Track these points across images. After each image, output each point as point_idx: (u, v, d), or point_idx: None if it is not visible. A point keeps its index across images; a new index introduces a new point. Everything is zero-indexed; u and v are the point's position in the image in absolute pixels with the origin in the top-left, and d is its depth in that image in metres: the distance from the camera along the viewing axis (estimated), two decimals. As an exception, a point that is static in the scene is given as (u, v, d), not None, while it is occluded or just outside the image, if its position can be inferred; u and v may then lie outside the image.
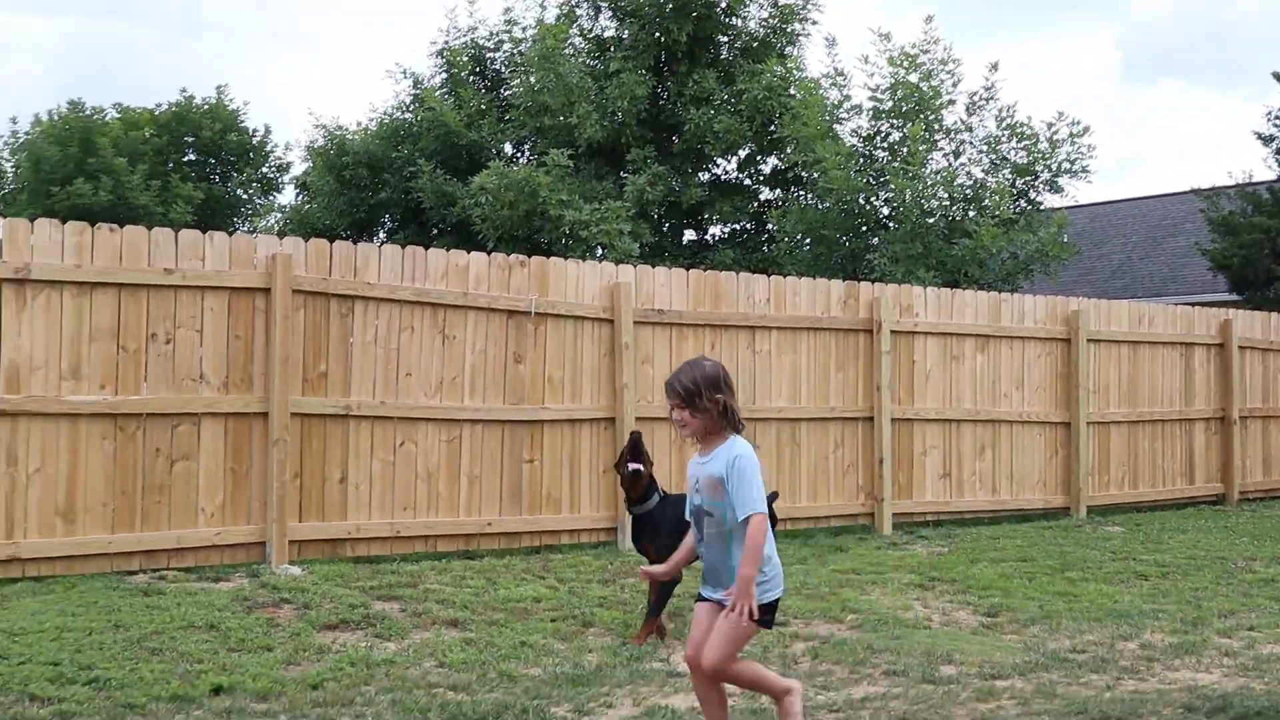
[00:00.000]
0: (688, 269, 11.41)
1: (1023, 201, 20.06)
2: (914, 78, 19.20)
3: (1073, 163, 19.67)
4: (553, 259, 10.62)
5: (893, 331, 12.09)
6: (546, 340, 10.28)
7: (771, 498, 6.32)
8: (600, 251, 19.46)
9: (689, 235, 23.48)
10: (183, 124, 36.91)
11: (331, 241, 9.47)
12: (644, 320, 10.70)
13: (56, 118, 35.48)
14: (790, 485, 11.48)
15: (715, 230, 23.53)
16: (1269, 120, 23.95)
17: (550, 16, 23.74)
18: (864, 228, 19.61)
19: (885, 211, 19.58)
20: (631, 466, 7.31)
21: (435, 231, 24.48)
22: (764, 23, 23.06)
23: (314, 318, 9.19)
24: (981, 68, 46.85)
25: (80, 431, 8.25)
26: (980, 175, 19.74)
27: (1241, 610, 8.31)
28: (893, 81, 19.30)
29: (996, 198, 18.90)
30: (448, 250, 10.04)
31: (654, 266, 11.21)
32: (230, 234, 9.06)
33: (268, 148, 38.44)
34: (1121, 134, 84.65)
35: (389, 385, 9.51)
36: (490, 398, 9.97)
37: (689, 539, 4.92)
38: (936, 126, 19.42)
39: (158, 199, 32.98)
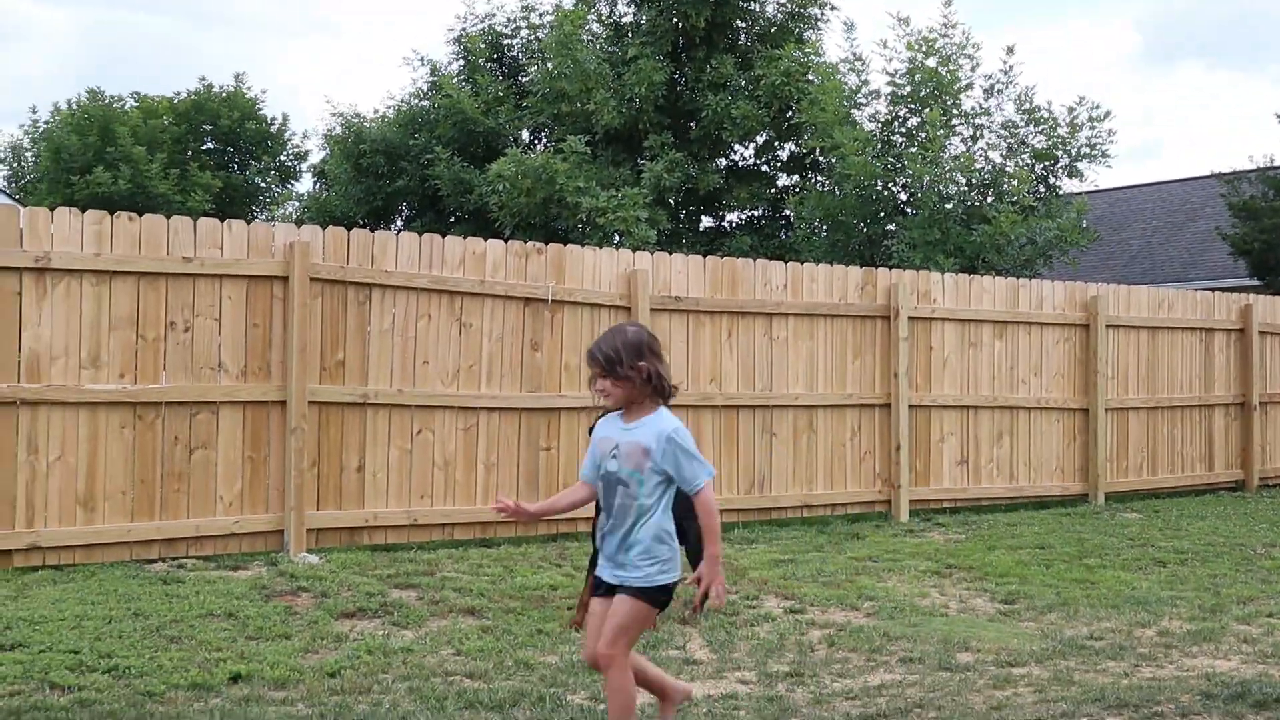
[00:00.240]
0: (705, 256, 11.39)
1: (1042, 187, 19.99)
2: (932, 62, 19.14)
3: (1092, 147, 19.60)
4: (569, 246, 10.61)
5: (910, 318, 12.05)
6: (563, 328, 10.28)
7: None
8: (617, 238, 19.47)
9: (706, 222, 23.47)
10: (201, 112, 37.04)
11: (349, 229, 9.48)
12: (661, 307, 10.70)
13: (76, 107, 35.68)
14: (807, 472, 11.48)
15: (732, 217, 23.52)
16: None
17: (568, 2, 23.74)
18: (882, 214, 19.56)
19: (903, 197, 19.53)
20: None
21: (452, 219, 24.53)
22: (781, 7, 23.01)
23: (331, 306, 9.21)
24: (999, 52, 46.67)
25: (100, 420, 8.29)
26: (999, 160, 19.68)
27: (1260, 597, 8.28)
28: (910, 66, 19.23)
29: (1017, 183, 18.84)
30: (465, 238, 10.04)
31: (671, 253, 11.20)
32: (248, 222, 9.08)
33: (285, 136, 38.57)
34: (1141, 118, 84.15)
35: (406, 373, 9.53)
36: (507, 385, 9.99)
37: (573, 490, 4.78)
38: (955, 111, 19.35)
39: (176, 187, 33.12)
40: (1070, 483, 13.26)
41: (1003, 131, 19.83)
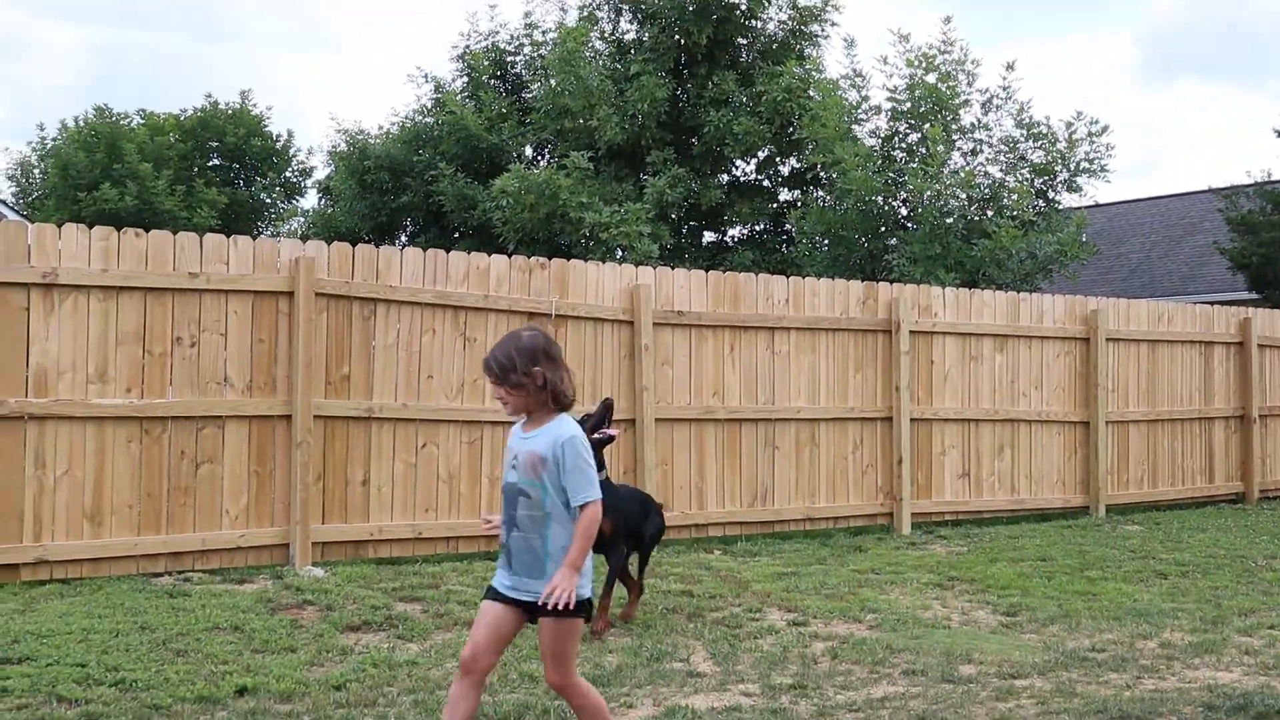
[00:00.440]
0: (707, 270, 11.45)
1: (1041, 201, 20.04)
2: (932, 78, 19.22)
3: (1091, 162, 19.65)
4: (573, 261, 10.67)
5: (911, 332, 12.10)
6: (567, 342, 10.32)
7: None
8: (620, 253, 19.52)
9: (708, 237, 23.53)
10: (207, 129, 37.18)
11: (354, 245, 9.55)
12: (664, 322, 10.75)
13: (83, 124, 35.81)
14: (809, 485, 11.52)
15: (734, 232, 23.57)
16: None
17: (571, 19, 23.85)
18: (883, 228, 19.60)
19: (904, 212, 19.59)
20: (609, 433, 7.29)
21: (456, 234, 24.59)
22: (783, 24, 23.09)
23: (336, 320, 9.27)
24: (998, 67, 46.78)
25: (107, 434, 8.34)
26: (999, 175, 19.74)
27: (1262, 609, 8.31)
28: (910, 82, 19.31)
29: (1016, 198, 18.90)
30: (469, 253, 10.10)
31: (673, 268, 11.26)
32: (254, 238, 9.14)
33: (291, 152, 38.68)
34: (1140, 133, 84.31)
35: (411, 387, 9.58)
36: (511, 400, 10.01)
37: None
38: (954, 126, 19.42)
39: (182, 204, 33.24)
40: (1071, 495, 13.29)
41: (1002, 146, 19.90)
